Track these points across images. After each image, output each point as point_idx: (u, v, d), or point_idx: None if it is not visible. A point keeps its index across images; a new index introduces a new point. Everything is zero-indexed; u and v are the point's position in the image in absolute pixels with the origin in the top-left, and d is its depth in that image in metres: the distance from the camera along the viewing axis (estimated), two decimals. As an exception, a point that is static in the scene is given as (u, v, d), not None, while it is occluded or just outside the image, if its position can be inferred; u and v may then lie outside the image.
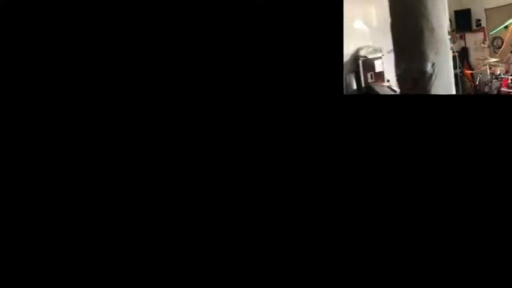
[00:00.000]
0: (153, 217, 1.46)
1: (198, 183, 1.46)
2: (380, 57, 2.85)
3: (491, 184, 1.39)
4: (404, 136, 1.45)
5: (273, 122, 1.48)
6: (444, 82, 1.79)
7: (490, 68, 2.60)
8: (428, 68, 1.73)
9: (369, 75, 2.84)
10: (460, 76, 2.80)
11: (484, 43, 2.79)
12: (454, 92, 1.95)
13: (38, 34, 1.50)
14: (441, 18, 1.82)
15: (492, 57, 2.67)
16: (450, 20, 2.40)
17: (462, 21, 2.85)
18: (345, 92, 2.38)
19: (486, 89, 2.60)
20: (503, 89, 2.47)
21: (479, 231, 1.38)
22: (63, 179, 1.47)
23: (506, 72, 2.52)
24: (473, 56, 2.90)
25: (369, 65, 2.85)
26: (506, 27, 2.55)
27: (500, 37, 2.64)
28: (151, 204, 1.47)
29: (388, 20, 1.84)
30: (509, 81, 2.46)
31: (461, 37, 2.91)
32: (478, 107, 1.43)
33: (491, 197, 1.38)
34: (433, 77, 1.74)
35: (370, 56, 2.86)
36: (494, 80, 2.55)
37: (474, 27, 2.84)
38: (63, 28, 1.50)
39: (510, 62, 2.54)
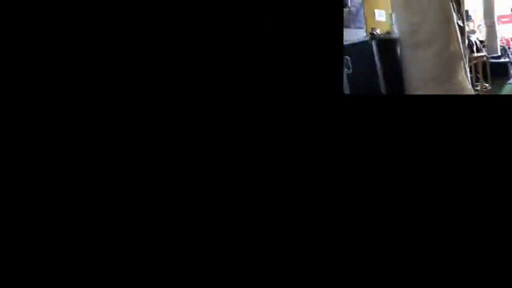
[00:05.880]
0: (153, 217, 1.45)
1: (195, 183, 1.45)
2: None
3: (493, 186, 1.38)
4: (405, 137, 1.44)
5: (271, 122, 1.47)
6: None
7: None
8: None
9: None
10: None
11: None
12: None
13: (38, 34, 1.48)
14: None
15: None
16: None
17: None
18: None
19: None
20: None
21: (481, 235, 1.37)
22: (63, 179, 1.46)
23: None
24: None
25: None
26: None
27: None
28: (151, 204, 1.46)
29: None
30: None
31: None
32: (478, 107, 1.43)
33: (495, 200, 1.37)
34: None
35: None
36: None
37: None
38: (63, 28, 1.49)
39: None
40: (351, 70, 2.37)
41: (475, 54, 3.44)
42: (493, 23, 3.91)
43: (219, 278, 1.41)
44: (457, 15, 2.43)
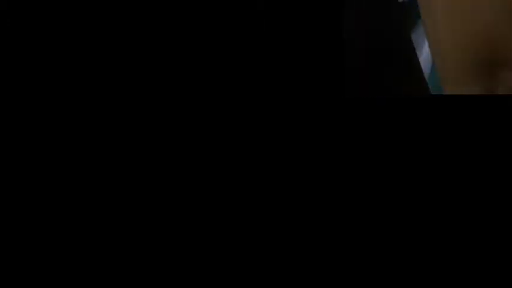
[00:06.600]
0: (153, 217, 1.52)
1: (194, 185, 1.50)
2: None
3: (495, 188, 1.42)
4: (410, 142, 1.45)
5: (271, 123, 1.51)
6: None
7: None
8: None
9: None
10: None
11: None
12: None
13: (38, 34, 1.50)
14: None
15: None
16: None
17: None
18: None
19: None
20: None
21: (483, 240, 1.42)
22: (63, 179, 1.52)
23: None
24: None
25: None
26: None
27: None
28: (151, 205, 1.52)
29: None
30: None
31: None
32: (484, 108, 1.46)
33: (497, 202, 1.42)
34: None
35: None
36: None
37: None
38: (63, 28, 1.51)
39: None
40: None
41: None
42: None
43: (219, 278, 1.50)
44: None
